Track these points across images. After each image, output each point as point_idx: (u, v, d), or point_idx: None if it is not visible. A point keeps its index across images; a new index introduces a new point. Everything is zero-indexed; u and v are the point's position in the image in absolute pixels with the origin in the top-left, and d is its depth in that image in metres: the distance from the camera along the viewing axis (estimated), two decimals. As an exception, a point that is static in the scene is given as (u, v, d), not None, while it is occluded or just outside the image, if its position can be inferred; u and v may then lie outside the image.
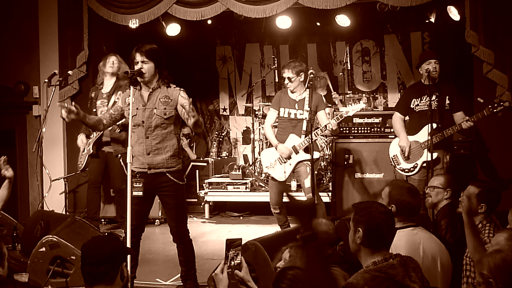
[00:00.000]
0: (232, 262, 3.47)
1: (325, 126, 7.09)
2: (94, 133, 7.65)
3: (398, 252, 3.94)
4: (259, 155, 10.01)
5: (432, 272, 4.19)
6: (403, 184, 4.87)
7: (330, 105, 9.54)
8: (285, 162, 7.30)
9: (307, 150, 7.15)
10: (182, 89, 5.55)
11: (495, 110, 6.63)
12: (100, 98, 7.73)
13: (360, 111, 7.53)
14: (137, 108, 5.42)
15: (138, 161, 5.44)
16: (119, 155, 7.63)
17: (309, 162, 7.08)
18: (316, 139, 7.54)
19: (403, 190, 4.60)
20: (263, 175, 9.68)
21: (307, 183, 7.11)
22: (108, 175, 8.03)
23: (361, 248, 3.58)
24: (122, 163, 7.63)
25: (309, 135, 7.03)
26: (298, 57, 11.24)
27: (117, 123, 7.06)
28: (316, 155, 7.50)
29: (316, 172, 7.42)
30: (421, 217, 4.89)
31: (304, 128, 7.22)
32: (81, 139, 7.83)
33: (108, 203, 8.89)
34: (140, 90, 5.48)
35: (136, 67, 5.38)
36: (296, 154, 7.25)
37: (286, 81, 7.27)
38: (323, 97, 7.88)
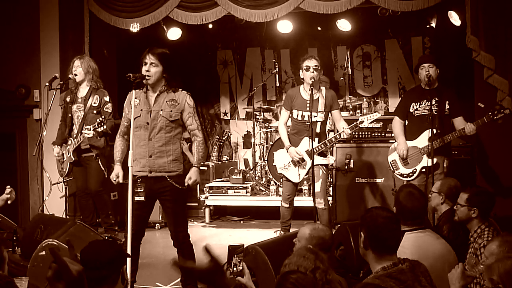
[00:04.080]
0: (235, 269, 3.47)
1: (340, 134, 7.04)
2: (72, 139, 7.62)
3: (405, 253, 3.94)
4: (260, 160, 10.01)
5: (440, 274, 4.19)
6: (406, 189, 4.92)
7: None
8: (299, 166, 7.26)
9: (321, 154, 7.15)
10: (188, 92, 5.57)
11: (495, 117, 6.62)
12: (76, 103, 7.64)
13: (361, 115, 7.53)
14: (141, 110, 5.44)
15: (139, 164, 5.44)
16: (98, 158, 7.59)
17: (322, 166, 7.09)
18: (331, 145, 7.50)
19: (402, 193, 4.67)
20: (264, 179, 9.68)
21: (317, 187, 7.08)
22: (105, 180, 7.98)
23: (366, 253, 3.59)
24: (100, 164, 7.58)
25: (323, 138, 7.03)
26: (299, 61, 11.23)
27: (98, 130, 7.06)
28: (331, 160, 7.50)
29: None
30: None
31: (318, 130, 7.17)
32: (56, 152, 7.77)
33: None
34: (146, 93, 5.50)
35: (144, 68, 5.39)
36: (311, 158, 7.21)
37: (311, 70, 7.10)
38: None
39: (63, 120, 7.83)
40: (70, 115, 7.68)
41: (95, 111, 7.49)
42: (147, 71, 5.39)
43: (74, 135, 7.60)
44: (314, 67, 7.12)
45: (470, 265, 3.82)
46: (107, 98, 7.56)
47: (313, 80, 7.05)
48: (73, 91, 7.71)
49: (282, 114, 7.48)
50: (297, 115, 7.27)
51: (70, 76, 7.69)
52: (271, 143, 9.61)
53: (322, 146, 7.11)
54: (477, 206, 4.87)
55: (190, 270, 2.68)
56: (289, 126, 7.58)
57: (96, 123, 7.09)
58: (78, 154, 7.64)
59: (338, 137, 7.12)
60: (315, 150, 7.07)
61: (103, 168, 7.63)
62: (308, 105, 7.12)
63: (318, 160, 7.13)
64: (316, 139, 7.15)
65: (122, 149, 5.73)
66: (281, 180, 7.74)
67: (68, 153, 7.64)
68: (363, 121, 7.10)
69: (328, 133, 7.75)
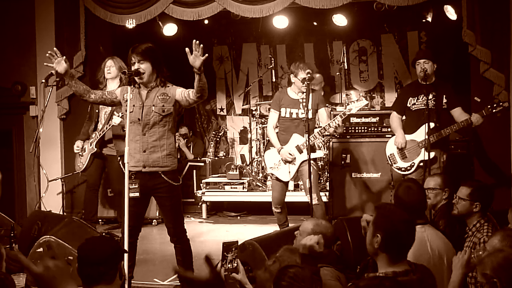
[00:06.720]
0: (230, 265, 3.48)
1: (329, 124, 7.09)
2: (96, 132, 7.69)
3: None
4: (256, 155, 10.02)
5: (439, 269, 4.20)
6: (404, 183, 4.94)
7: (328, 105, 9.54)
8: (289, 162, 7.28)
9: (311, 149, 7.16)
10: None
11: (494, 111, 6.64)
12: None
13: (358, 110, 7.54)
14: (133, 105, 5.42)
15: (134, 159, 5.41)
16: (119, 158, 7.66)
17: (312, 161, 7.09)
18: (317, 139, 7.53)
19: (401, 188, 4.69)
20: (261, 175, 9.68)
21: (309, 182, 7.09)
22: (107, 176, 8.07)
23: (378, 253, 3.54)
24: (121, 165, 7.66)
25: (311, 135, 7.03)
26: (296, 57, 11.24)
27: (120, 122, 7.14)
28: (320, 153, 7.51)
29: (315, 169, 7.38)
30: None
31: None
32: (76, 144, 7.90)
33: (106, 204, 8.90)
34: (139, 89, 5.49)
35: (133, 68, 5.40)
36: (300, 153, 7.23)
37: (305, 81, 7.13)
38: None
39: (89, 117, 7.93)
40: (97, 111, 7.76)
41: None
42: (139, 68, 5.40)
43: (98, 132, 7.69)
44: (309, 79, 7.18)
45: (477, 255, 3.82)
46: None
47: (305, 90, 7.16)
48: (103, 89, 7.74)
49: (271, 116, 7.52)
50: (285, 113, 7.35)
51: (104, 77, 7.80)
52: (267, 138, 9.59)
53: (311, 139, 7.13)
54: (480, 201, 4.88)
55: (190, 280, 2.68)
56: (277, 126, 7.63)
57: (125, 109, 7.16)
58: (101, 146, 7.76)
59: (328, 127, 7.14)
60: (305, 144, 7.13)
61: (122, 168, 7.69)
62: (300, 104, 7.23)
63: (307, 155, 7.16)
64: (306, 135, 7.18)
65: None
66: (270, 181, 7.77)
67: (91, 145, 7.73)
68: (351, 109, 7.21)
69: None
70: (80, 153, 7.89)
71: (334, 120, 7.13)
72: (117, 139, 7.68)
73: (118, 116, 7.32)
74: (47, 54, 5.48)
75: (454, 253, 4.38)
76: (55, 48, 5.56)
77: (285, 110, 7.33)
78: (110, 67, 7.74)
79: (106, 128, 7.63)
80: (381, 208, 3.69)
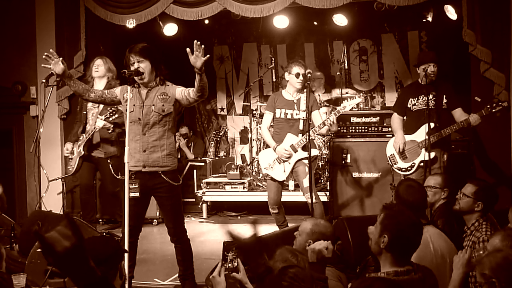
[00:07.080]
0: (230, 265, 3.47)
1: (323, 122, 7.10)
2: (84, 134, 7.67)
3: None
4: (257, 155, 10.01)
5: (442, 269, 4.20)
6: (404, 182, 4.95)
7: (328, 104, 9.54)
8: (284, 162, 7.29)
9: (305, 148, 7.16)
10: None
11: (493, 110, 6.64)
12: None
13: (358, 110, 7.53)
14: (134, 105, 5.42)
15: (134, 158, 5.41)
16: (109, 160, 7.66)
17: (307, 161, 7.09)
18: (314, 138, 7.54)
19: (402, 187, 4.70)
20: (261, 174, 9.68)
21: (305, 182, 7.11)
22: (101, 178, 8.08)
23: (383, 252, 3.54)
24: (111, 168, 7.66)
25: (304, 134, 7.04)
26: (296, 56, 11.23)
27: (110, 119, 7.12)
28: (315, 152, 7.51)
29: (313, 170, 7.39)
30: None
31: (301, 127, 7.24)
32: (66, 147, 7.88)
33: (105, 204, 8.90)
34: (139, 88, 5.48)
35: (133, 68, 5.39)
36: (295, 152, 7.24)
37: (300, 77, 7.19)
38: (321, 96, 7.90)
39: (78, 118, 7.91)
40: (85, 112, 7.74)
41: (109, 108, 7.47)
42: (138, 68, 5.40)
43: (86, 134, 7.68)
44: (303, 75, 7.19)
45: (478, 255, 3.83)
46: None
47: (300, 86, 7.22)
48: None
49: (266, 117, 7.54)
50: (280, 114, 7.37)
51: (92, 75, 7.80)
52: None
53: (306, 138, 7.15)
54: (483, 201, 4.90)
55: (237, 239, 2.77)
56: (271, 126, 7.63)
57: (108, 112, 7.14)
58: (88, 149, 7.73)
59: (322, 126, 7.16)
60: (299, 143, 7.20)
61: (113, 173, 7.68)
62: (295, 105, 7.29)
63: (303, 154, 7.19)
64: (300, 135, 7.23)
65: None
66: (265, 182, 7.77)
67: (79, 148, 7.71)
68: (345, 106, 7.20)
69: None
70: (70, 157, 7.87)
71: (328, 118, 7.13)
72: (104, 142, 7.68)
73: (102, 119, 7.30)
74: (44, 56, 5.49)
75: (456, 253, 4.39)
76: (51, 50, 5.57)
77: (280, 111, 7.35)
78: (99, 66, 7.77)
79: (92, 131, 7.61)
80: (389, 210, 3.68)
